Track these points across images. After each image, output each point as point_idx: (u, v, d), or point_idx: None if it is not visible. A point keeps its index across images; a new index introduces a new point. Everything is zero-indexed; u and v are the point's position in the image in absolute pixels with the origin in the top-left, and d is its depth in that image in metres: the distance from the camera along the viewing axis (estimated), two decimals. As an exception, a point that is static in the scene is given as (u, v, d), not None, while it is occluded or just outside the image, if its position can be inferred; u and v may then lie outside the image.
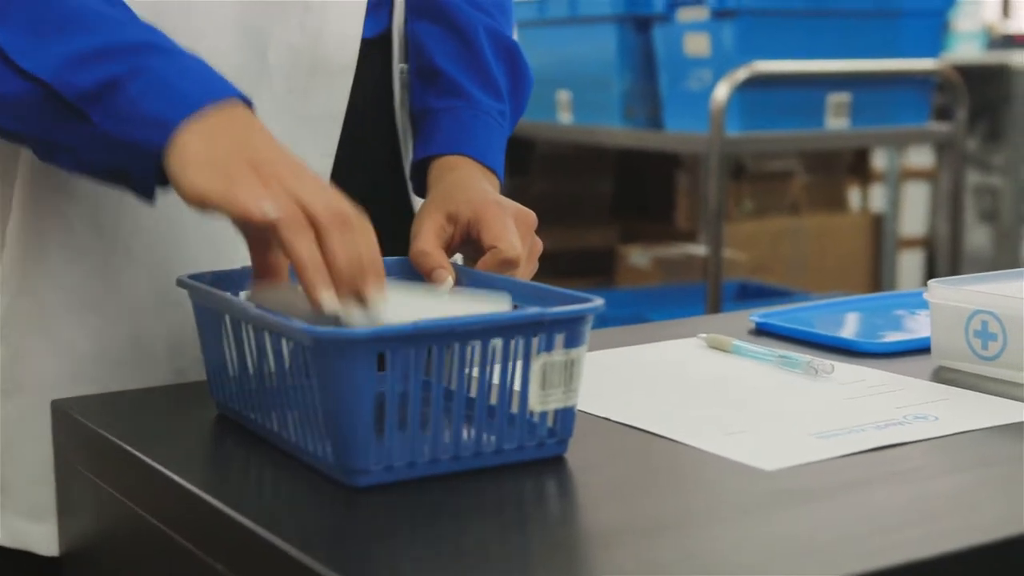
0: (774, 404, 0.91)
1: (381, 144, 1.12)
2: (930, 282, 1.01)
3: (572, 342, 0.78)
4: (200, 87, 0.84)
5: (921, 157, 4.13)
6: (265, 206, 0.78)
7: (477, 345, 0.76)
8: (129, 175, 0.86)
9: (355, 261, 0.78)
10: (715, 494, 0.75)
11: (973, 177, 4.23)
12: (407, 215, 1.10)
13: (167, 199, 0.87)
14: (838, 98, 2.67)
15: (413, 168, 1.09)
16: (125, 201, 0.97)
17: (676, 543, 0.67)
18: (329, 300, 0.77)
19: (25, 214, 0.99)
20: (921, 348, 1.04)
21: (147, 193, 0.87)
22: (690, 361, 1.04)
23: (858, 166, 3.92)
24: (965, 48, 4.13)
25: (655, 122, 2.80)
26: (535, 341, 0.76)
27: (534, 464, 0.78)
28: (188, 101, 0.83)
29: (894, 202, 3.90)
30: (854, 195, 3.96)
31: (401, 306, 0.79)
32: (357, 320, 0.78)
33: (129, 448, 0.82)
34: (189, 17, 0.96)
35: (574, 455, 0.80)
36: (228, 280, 0.89)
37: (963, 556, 0.63)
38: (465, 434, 0.77)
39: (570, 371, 0.78)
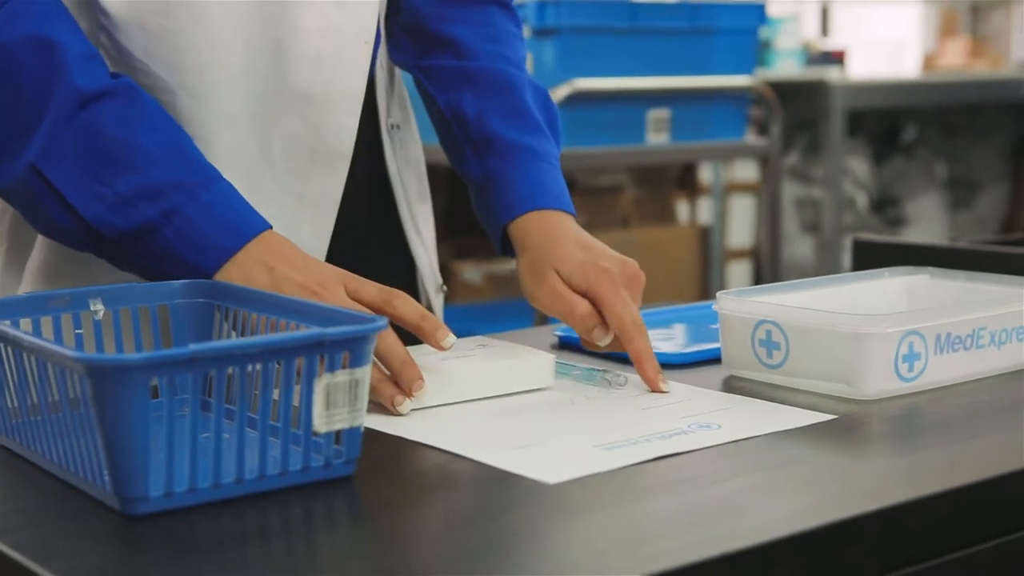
0: (567, 417, 0.93)
1: (372, 185, 1.19)
2: (719, 294, 1.04)
3: (356, 361, 0.78)
4: (227, 234, 0.94)
5: (746, 171, 4.25)
6: None
7: (259, 367, 0.75)
8: None
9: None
10: (496, 509, 0.76)
11: (795, 189, 4.36)
12: (401, 249, 1.22)
13: None
14: (658, 114, 2.74)
15: (495, 232, 1.15)
16: None
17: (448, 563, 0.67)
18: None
19: None
20: (717, 358, 1.07)
21: None
22: (489, 377, 1.05)
23: (685, 180, 4.01)
24: (785, 65, 4.26)
25: (481, 139, 2.82)
26: (318, 361, 0.76)
27: (322, 485, 0.78)
28: (219, 249, 0.94)
29: (721, 214, 3.99)
30: (682, 208, 4.05)
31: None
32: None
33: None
34: (203, 113, 1.03)
35: (364, 475, 0.80)
36: (4, 308, 0.87)
37: (721, 562, 0.65)
38: (249, 457, 0.76)
39: (355, 391, 0.78)
